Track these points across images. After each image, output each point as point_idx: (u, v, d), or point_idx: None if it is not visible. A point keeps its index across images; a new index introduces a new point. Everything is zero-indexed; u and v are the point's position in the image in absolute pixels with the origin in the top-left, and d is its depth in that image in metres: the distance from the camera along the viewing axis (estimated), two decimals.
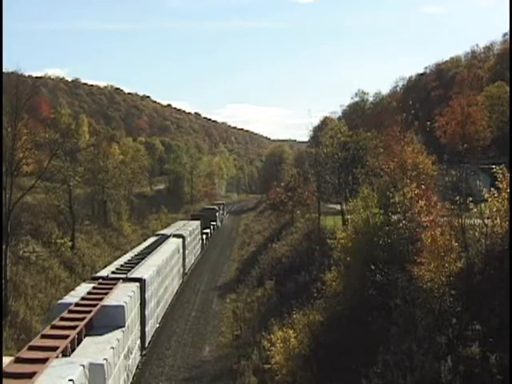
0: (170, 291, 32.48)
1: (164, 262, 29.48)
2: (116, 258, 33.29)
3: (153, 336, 25.80)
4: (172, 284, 33.27)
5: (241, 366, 22.72)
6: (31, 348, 13.42)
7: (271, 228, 56.47)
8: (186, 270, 41.92)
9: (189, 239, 43.53)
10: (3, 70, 30.22)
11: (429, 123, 36.47)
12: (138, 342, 21.84)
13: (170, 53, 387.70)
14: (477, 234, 18.86)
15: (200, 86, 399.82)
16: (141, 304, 22.43)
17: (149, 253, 30.11)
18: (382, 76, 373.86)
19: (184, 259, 40.34)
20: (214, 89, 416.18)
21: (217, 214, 73.84)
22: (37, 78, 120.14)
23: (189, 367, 23.97)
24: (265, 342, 22.67)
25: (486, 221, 17.85)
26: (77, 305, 17.93)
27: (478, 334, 14.87)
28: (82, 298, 18.90)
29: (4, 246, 28.36)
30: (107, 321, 17.76)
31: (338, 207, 39.35)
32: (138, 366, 21.68)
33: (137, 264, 26.12)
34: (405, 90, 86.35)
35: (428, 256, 16.71)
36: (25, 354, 12.91)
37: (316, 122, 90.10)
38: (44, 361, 12.33)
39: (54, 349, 13.29)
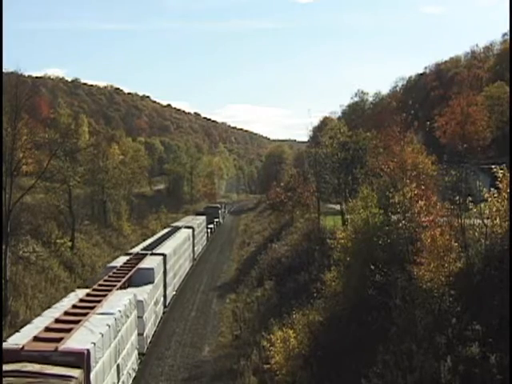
0: (183, 270, 39.98)
1: (178, 245, 37.09)
2: (114, 258, 34.42)
3: (171, 300, 33.15)
4: (184, 265, 40.70)
5: (240, 366, 22.70)
6: (100, 285, 21.76)
7: (271, 228, 56.46)
8: (195, 256, 49.20)
9: (197, 230, 50.80)
10: (3, 70, 30.23)
11: (428, 123, 36.50)
12: (162, 299, 29.54)
13: (169, 53, 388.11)
14: (476, 234, 18.86)
15: (200, 86, 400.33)
16: (163, 272, 30.09)
17: (166, 238, 37.62)
18: (382, 76, 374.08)
19: (193, 247, 47.60)
20: (213, 89, 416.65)
21: (219, 211, 79.40)
22: (36, 78, 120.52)
23: (188, 367, 23.96)
24: (264, 342, 22.67)
25: (485, 221, 17.85)
26: (120, 267, 25.70)
27: (477, 334, 14.87)
28: (123, 264, 26.76)
29: (4, 246, 28.36)
30: (142, 279, 24.98)
31: (338, 207, 39.36)
32: (161, 317, 28.98)
33: (158, 245, 33.69)
34: (405, 90, 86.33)
35: (428, 256, 16.72)
36: (97, 287, 21.14)
37: (316, 122, 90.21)
38: (107, 293, 19.96)
39: (111, 287, 21.16)
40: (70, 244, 40.99)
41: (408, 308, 17.63)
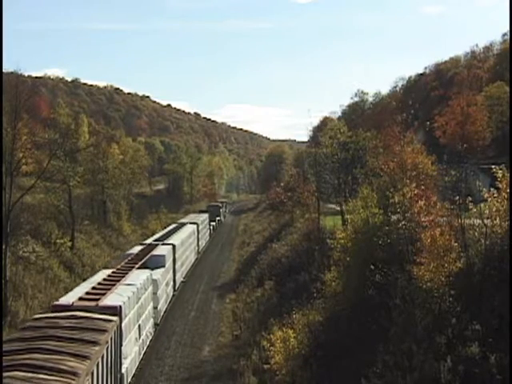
0: (189, 261, 44.53)
1: (185, 238, 42.01)
2: (114, 258, 36.08)
3: (179, 285, 37.80)
4: (190, 256, 45.25)
5: (240, 366, 22.70)
6: (122, 266, 25.67)
7: (271, 228, 56.47)
8: (199, 250, 53.39)
9: (201, 226, 55.03)
10: (3, 70, 30.22)
11: (428, 123, 36.47)
12: (172, 283, 34.06)
13: (169, 53, 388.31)
14: (476, 234, 18.87)
15: (200, 86, 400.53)
16: (173, 260, 34.44)
17: (174, 232, 42.39)
18: (382, 76, 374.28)
19: (198, 241, 51.84)
20: (213, 89, 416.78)
21: (221, 210, 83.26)
22: (36, 78, 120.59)
23: (188, 367, 23.96)
24: (264, 342, 22.67)
25: (485, 221, 17.85)
26: (136, 254, 29.70)
27: (477, 334, 14.88)
28: (139, 251, 30.96)
29: (4, 246, 28.35)
30: (155, 263, 29.09)
31: (338, 207, 39.34)
32: (171, 297, 33.70)
33: (167, 237, 38.36)
34: (404, 90, 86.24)
35: (427, 256, 16.72)
36: (120, 268, 25.03)
37: (316, 122, 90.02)
38: (128, 271, 24.10)
39: (131, 268, 25.19)
40: (69, 244, 40.99)
41: (408, 308, 17.64)
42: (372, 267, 19.89)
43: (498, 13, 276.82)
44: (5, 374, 10.71)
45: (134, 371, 21.08)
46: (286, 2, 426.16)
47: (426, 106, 67.50)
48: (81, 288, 20.89)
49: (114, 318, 16.93)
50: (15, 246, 32.87)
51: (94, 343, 13.93)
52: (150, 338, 25.23)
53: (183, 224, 49.04)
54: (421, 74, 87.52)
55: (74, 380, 11.37)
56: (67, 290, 26.33)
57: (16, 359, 11.73)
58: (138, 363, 22.05)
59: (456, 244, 17.11)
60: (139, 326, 21.99)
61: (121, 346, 18.02)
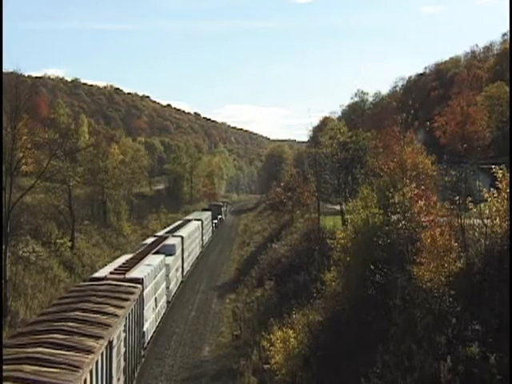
0: (195, 253, 49.52)
1: (192, 232, 47.17)
2: (114, 258, 34.77)
3: (186, 272, 42.81)
4: (195, 249, 50.40)
5: (240, 365, 22.72)
6: (139, 252, 30.01)
7: (271, 228, 56.50)
8: (204, 244, 58.65)
9: (205, 223, 60.18)
10: (3, 70, 30.20)
11: (428, 123, 36.42)
12: (180, 269, 38.98)
13: (169, 53, 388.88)
14: (476, 234, 18.90)
15: (200, 86, 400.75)
16: (181, 250, 39.29)
17: (181, 226, 46.83)
18: (382, 76, 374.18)
19: (202, 236, 57.06)
20: (213, 89, 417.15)
21: (222, 209, 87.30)
22: (36, 78, 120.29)
23: (188, 367, 23.98)
24: (264, 342, 22.65)
25: (485, 221, 17.86)
26: (150, 243, 33.90)
27: (477, 334, 14.88)
28: (152, 241, 34.86)
29: (3, 246, 28.32)
30: (166, 251, 32.84)
31: (338, 207, 39.35)
32: (180, 282, 38.40)
33: (176, 231, 43.04)
34: (404, 90, 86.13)
35: (427, 256, 16.72)
36: (138, 253, 29.48)
37: (316, 122, 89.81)
38: (145, 255, 28.57)
39: (148, 253, 29.66)
40: (69, 244, 40.94)
41: (408, 308, 17.65)
42: (372, 267, 19.88)
43: (498, 13, 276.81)
44: (53, 327, 14.58)
45: (151, 333, 25.88)
46: (285, 1, 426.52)
47: (426, 105, 67.39)
48: (108, 267, 25.84)
49: (139, 286, 21.78)
50: (15, 246, 32.85)
51: (126, 300, 18.96)
52: (164, 311, 30.33)
53: (189, 220, 53.17)
54: (421, 74, 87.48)
55: (117, 317, 16.83)
56: (67, 291, 26.41)
57: (69, 309, 16.70)
58: (154, 328, 26.85)
59: (456, 244, 17.11)
60: (155, 298, 26.96)
61: (143, 309, 22.61)
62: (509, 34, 61.00)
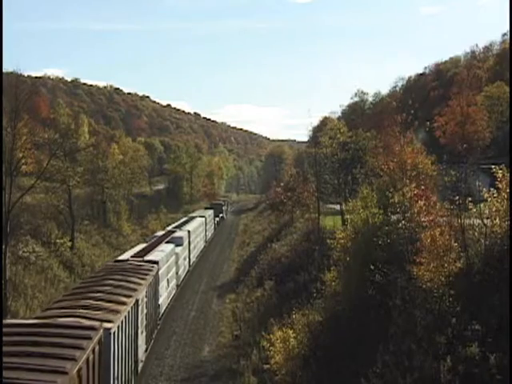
0: (200, 246, 54.14)
1: (196, 227, 51.39)
2: (114, 258, 35.02)
3: (192, 263, 47.06)
4: (200, 243, 54.60)
5: (240, 366, 22.73)
6: (152, 242, 35.61)
7: (271, 228, 56.47)
8: (207, 239, 62.23)
9: (208, 220, 63.78)
10: (3, 70, 30.18)
11: (428, 123, 36.43)
12: (188, 259, 43.51)
13: (169, 53, 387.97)
14: (476, 234, 18.90)
15: (200, 86, 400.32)
16: (188, 242, 43.52)
17: (187, 222, 51.81)
18: (382, 76, 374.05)
19: (206, 232, 60.92)
20: (213, 89, 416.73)
21: (223, 207, 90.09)
22: (36, 78, 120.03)
23: (188, 367, 23.97)
24: (264, 342, 22.65)
25: (485, 221, 17.86)
26: (161, 236, 39.19)
27: (477, 334, 14.89)
28: (162, 234, 40.20)
29: (3, 246, 28.31)
30: (175, 242, 36.81)
31: (338, 207, 39.36)
32: (187, 271, 42.89)
33: (182, 226, 47.73)
34: (404, 90, 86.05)
35: (427, 256, 16.73)
36: (151, 243, 35.09)
37: (316, 122, 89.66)
38: (158, 244, 34.40)
39: (160, 242, 35.34)
40: (69, 244, 40.93)
41: (408, 308, 17.65)
42: (372, 267, 19.88)
43: (497, 13, 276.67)
44: (95, 289, 19.86)
45: (164, 308, 30.05)
46: (285, 2, 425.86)
47: (426, 105, 67.38)
48: (128, 253, 31.32)
49: (155, 266, 26.74)
50: (15, 245, 32.85)
51: (146, 274, 24.04)
52: (174, 292, 34.70)
53: (193, 217, 57.56)
54: (421, 74, 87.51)
55: (141, 285, 21.85)
56: (67, 291, 26.46)
57: (104, 279, 21.88)
58: (166, 305, 30.86)
59: (456, 244, 17.13)
60: (167, 279, 31.24)
61: (158, 285, 27.09)
62: (509, 34, 61.01)
